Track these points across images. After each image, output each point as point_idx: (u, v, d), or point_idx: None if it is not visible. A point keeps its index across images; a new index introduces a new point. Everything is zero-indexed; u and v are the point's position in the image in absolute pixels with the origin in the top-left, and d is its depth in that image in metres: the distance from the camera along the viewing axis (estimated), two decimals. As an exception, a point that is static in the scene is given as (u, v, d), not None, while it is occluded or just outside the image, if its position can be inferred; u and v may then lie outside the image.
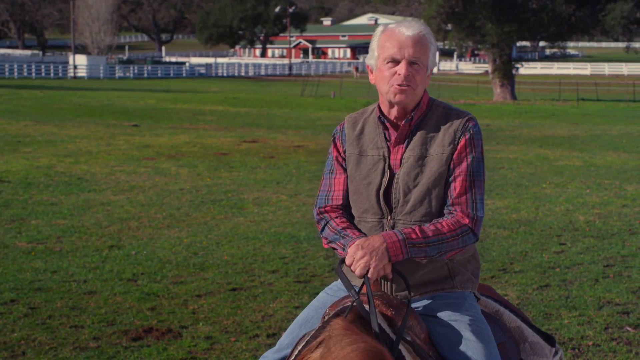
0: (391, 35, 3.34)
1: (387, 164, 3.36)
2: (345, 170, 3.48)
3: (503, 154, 21.00)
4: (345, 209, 3.47)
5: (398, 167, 3.35)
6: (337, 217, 3.42)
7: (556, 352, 3.67)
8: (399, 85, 3.29)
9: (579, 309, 7.86)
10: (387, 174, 3.34)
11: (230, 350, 6.65)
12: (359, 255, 3.14)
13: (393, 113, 3.38)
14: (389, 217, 3.34)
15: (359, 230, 3.36)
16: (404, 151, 3.36)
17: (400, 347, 3.03)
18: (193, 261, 9.53)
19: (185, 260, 9.60)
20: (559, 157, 20.58)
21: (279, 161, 18.95)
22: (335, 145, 3.52)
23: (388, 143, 3.39)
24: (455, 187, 3.31)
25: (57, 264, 9.32)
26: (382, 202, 3.34)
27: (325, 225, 3.42)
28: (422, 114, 3.39)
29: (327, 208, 3.47)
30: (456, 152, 3.32)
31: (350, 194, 3.45)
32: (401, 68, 3.29)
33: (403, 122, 3.36)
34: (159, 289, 8.37)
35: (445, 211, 3.32)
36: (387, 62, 3.33)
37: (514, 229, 11.52)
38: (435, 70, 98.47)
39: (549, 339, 3.67)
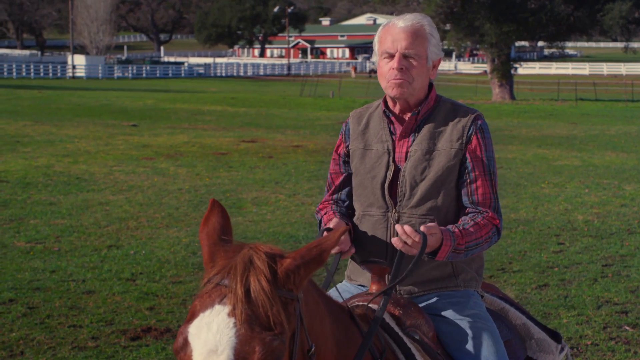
0: (388, 29, 3.32)
1: (391, 157, 3.33)
2: (344, 165, 3.49)
3: (501, 153, 20.99)
4: (336, 202, 3.48)
5: (403, 160, 3.33)
6: (325, 214, 3.42)
7: (562, 349, 3.67)
8: (393, 79, 3.26)
9: (577, 308, 7.87)
10: (392, 167, 3.32)
11: (229, 349, 6.64)
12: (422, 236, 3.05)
13: (397, 107, 3.37)
14: (393, 211, 3.32)
15: (340, 215, 3.36)
16: (410, 145, 3.33)
17: (410, 345, 3.04)
18: (192, 261, 9.52)
19: (184, 259, 9.59)
20: (557, 157, 20.59)
21: (278, 161, 18.94)
22: (339, 141, 3.53)
23: (393, 137, 3.37)
24: (478, 187, 3.29)
25: (56, 263, 9.32)
26: (386, 196, 3.32)
27: (319, 228, 3.42)
28: (430, 109, 3.37)
29: (320, 206, 3.51)
30: (470, 149, 3.30)
31: (354, 188, 3.44)
32: (394, 62, 3.27)
33: (409, 116, 3.34)
34: (157, 288, 8.37)
35: (472, 210, 3.29)
36: (384, 57, 3.31)
37: (512, 229, 11.52)
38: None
39: (555, 336, 3.66)
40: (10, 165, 17.37)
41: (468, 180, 3.30)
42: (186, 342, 2.31)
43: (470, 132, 3.32)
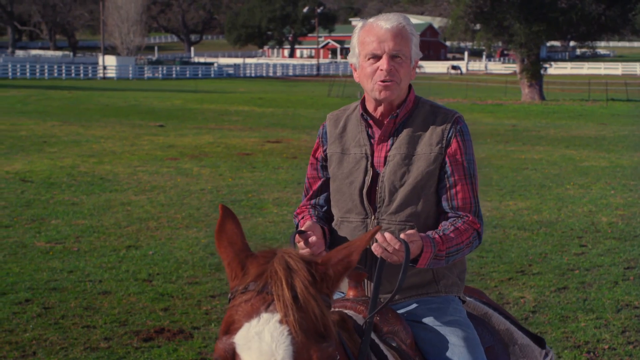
0: (370, 30, 3.23)
1: (369, 162, 3.25)
2: (321, 170, 3.42)
3: (528, 154, 20.81)
4: (314, 207, 3.41)
5: (382, 165, 3.25)
6: (302, 218, 3.36)
7: (546, 355, 3.59)
8: (382, 81, 3.18)
9: (596, 311, 7.75)
10: (370, 172, 3.24)
11: (241, 351, 6.61)
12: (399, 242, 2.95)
13: (379, 110, 3.28)
14: (372, 217, 3.24)
15: (317, 219, 3.31)
16: (389, 149, 3.25)
17: (387, 353, 2.98)
18: (209, 262, 9.51)
19: (201, 260, 9.59)
20: (584, 157, 20.35)
21: (302, 161, 18.90)
22: (316, 145, 3.46)
23: (372, 140, 3.29)
24: (457, 191, 3.21)
25: (74, 264, 9.36)
26: (365, 202, 3.24)
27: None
28: (409, 112, 3.29)
29: (297, 211, 3.44)
30: (449, 153, 3.22)
31: (332, 193, 3.37)
32: (383, 63, 3.18)
33: (388, 119, 3.26)
34: (173, 289, 8.37)
35: (452, 215, 3.21)
36: (369, 59, 3.21)
37: (534, 230, 11.39)
38: (463, 70, 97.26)
39: (539, 341, 3.59)
40: (35, 166, 17.51)
41: (448, 185, 3.22)
42: (234, 354, 2.22)
43: (450, 135, 3.23)
